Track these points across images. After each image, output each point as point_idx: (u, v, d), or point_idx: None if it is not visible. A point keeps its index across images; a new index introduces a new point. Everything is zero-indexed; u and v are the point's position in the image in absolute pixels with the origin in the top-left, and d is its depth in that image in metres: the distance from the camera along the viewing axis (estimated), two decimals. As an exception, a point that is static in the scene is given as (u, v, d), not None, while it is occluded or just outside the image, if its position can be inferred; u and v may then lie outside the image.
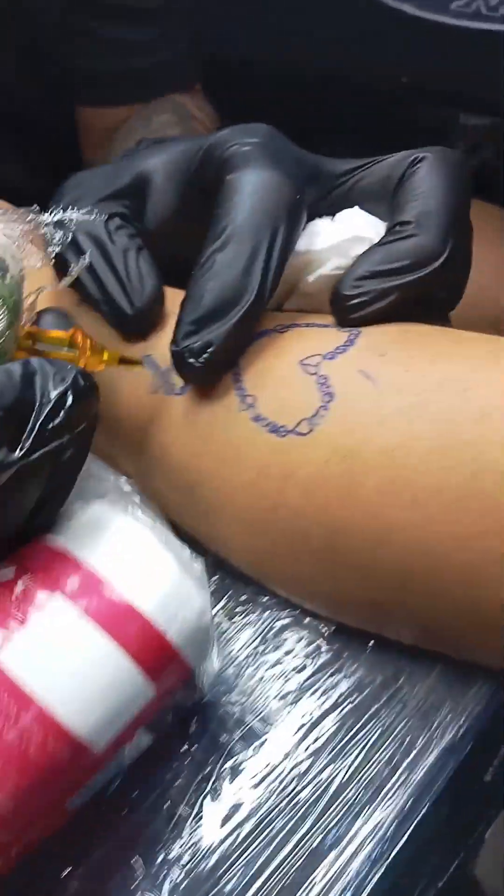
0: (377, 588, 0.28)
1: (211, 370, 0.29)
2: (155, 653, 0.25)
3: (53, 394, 0.23)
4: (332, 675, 0.31)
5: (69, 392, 0.23)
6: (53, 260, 0.28)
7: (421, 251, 0.29)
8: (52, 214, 0.28)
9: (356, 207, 0.32)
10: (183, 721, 0.30)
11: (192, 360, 0.29)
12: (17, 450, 0.22)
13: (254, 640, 0.32)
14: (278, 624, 0.33)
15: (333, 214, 0.33)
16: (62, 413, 0.23)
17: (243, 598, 0.33)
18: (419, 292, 0.30)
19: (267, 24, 0.75)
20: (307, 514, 0.28)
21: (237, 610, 0.33)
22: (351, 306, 0.30)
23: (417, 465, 0.25)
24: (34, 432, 0.22)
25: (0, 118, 0.55)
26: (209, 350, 0.29)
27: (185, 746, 0.30)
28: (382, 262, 0.30)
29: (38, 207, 0.28)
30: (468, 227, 0.31)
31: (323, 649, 0.32)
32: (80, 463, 0.26)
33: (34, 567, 0.26)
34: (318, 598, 0.31)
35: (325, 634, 0.32)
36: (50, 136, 0.56)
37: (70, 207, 0.31)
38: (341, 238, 0.32)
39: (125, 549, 0.26)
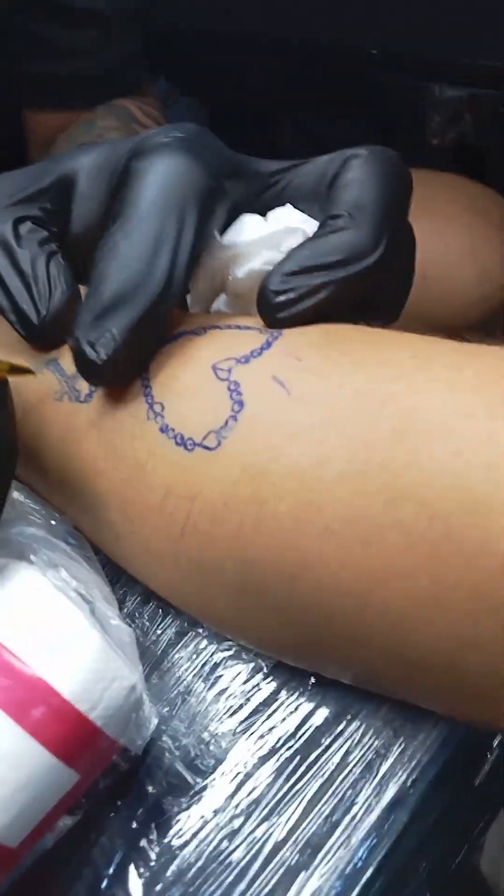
0: (298, 627, 0.24)
1: (113, 368, 0.26)
2: (77, 738, 0.22)
3: None
4: (269, 716, 0.28)
5: None
6: None
7: (352, 246, 0.27)
8: None
9: (288, 205, 0.30)
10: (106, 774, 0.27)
11: (93, 357, 0.25)
12: None
13: (188, 676, 0.29)
14: (216, 657, 0.29)
15: (265, 214, 0.30)
16: None
17: (178, 626, 0.30)
18: (351, 292, 0.27)
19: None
20: (217, 543, 0.24)
21: (170, 641, 0.29)
22: (277, 304, 0.27)
23: (330, 489, 0.22)
24: None
25: None
26: (111, 343, 0.25)
27: (109, 800, 0.27)
28: (312, 257, 0.27)
29: None
30: (407, 227, 0.29)
31: (262, 686, 0.28)
32: None
33: None
34: (240, 634, 0.27)
35: (265, 668, 0.28)
36: None
37: None
38: (272, 230, 0.29)
39: (40, 618, 0.23)
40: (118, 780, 0.27)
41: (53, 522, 0.28)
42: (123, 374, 0.27)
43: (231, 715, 0.28)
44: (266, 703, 0.28)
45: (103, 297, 0.26)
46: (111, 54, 0.55)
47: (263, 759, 0.27)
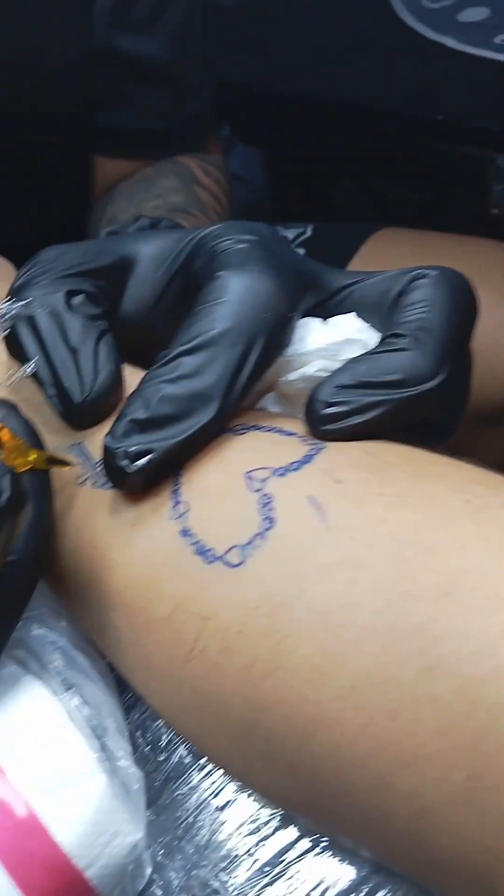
0: (310, 789, 0.22)
1: (140, 481, 0.25)
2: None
3: None
4: (282, 875, 0.25)
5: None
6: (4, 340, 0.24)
7: (413, 368, 0.25)
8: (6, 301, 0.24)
9: (352, 313, 0.28)
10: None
11: (123, 463, 0.24)
12: None
13: (190, 814, 0.26)
14: (226, 792, 0.26)
15: (326, 318, 0.29)
16: None
17: (181, 756, 0.27)
18: (405, 414, 0.25)
19: (298, 53, 0.71)
20: (226, 675, 0.22)
21: (172, 774, 0.27)
22: (326, 415, 0.25)
23: (358, 640, 0.20)
24: None
25: (10, 164, 0.54)
26: (147, 459, 0.24)
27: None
28: (369, 372, 0.25)
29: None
30: (468, 354, 0.28)
31: (272, 834, 0.25)
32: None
33: None
34: (244, 780, 0.25)
35: (279, 812, 0.26)
36: (60, 182, 0.55)
37: (33, 280, 0.29)
38: (331, 340, 0.28)
39: (45, 748, 0.21)
40: None
41: (72, 628, 0.26)
42: (150, 483, 0.25)
43: (235, 867, 0.25)
44: (278, 855, 0.25)
45: (152, 408, 0.25)
46: (181, 113, 0.56)
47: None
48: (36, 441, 0.26)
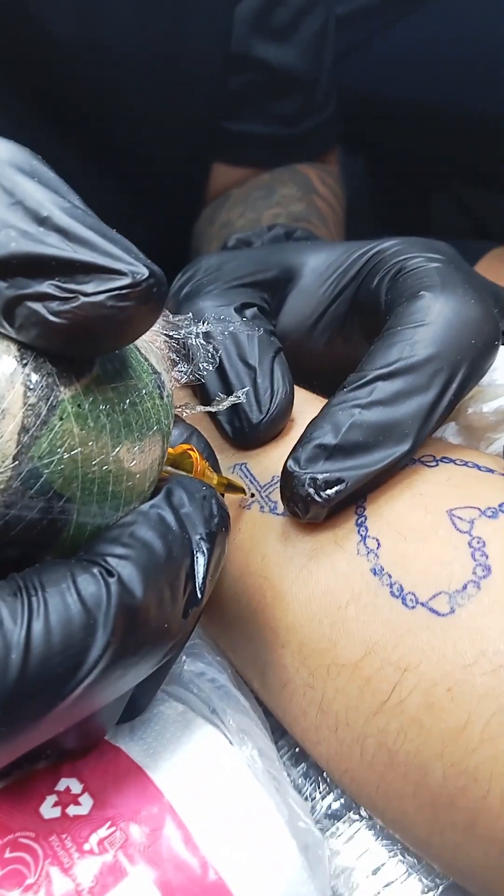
0: None
1: (325, 511, 0.23)
2: None
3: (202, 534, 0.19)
4: None
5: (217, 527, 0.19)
6: (203, 376, 0.23)
7: None
8: (203, 323, 0.23)
9: None
10: None
11: (310, 491, 0.22)
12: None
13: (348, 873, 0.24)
14: (378, 858, 0.24)
15: None
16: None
17: (336, 795, 0.25)
18: None
19: (408, 60, 0.70)
20: (428, 735, 0.20)
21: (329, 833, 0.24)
22: None
23: None
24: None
25: (129, 165, 0.52)
26: (336, 489, 0.22)
27: None
28: None
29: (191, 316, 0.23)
30: None
31: None
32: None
33: (120, 813, 0.19)
34: (425, 848, 0.22)
35: (440, 888, 0.24)
36: (176, 187, 0.53)
37: (201, 290, 0.28)
38: None
39: (232, 819, 0.19)
40: None
41: (226, 664, 0.24)
42: (334, 511, 0.23)
43: None
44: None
45: (343, 436, 0.23)
46: (309, 122, 0.55)
47: None
48: (216, 465, 0.24)
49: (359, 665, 0.21)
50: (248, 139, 0.54)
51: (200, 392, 0.28)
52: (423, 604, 0.21)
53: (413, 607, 0.21)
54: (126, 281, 0.16)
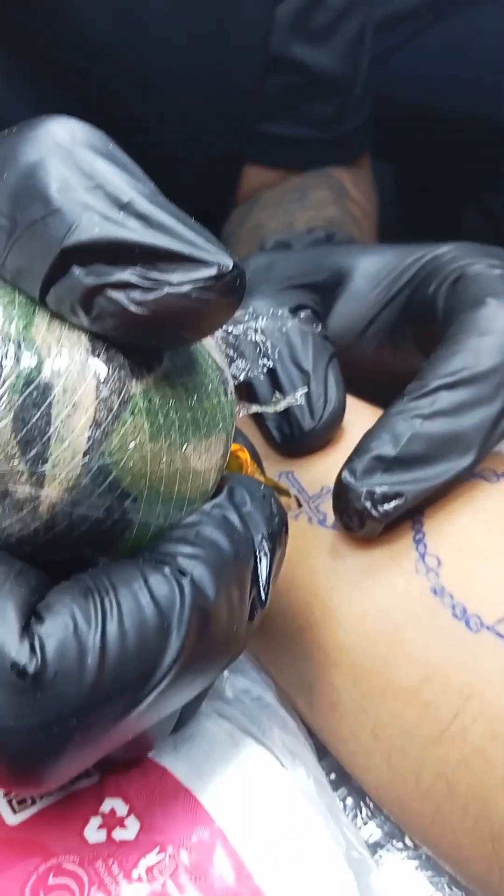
0: None
1: (381, 526, 0.22)
2: None
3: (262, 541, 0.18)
4: None
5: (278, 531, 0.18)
6: (258, 376, 0.23)
7: None
8: (261, 318, 0.22)
9: None
10: None
11: (366, 505, 0.21)
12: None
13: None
14: (427, 893, 0.23)
15: None
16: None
17: (380, 822, 0.24)
18: None
19: (440, 68, 0.69)
20: (493, 767, 0.19)
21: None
22: None
23: None
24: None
25: (161, 165, 0.51)
26: (394, 504, 0.21)
27: None
28: None
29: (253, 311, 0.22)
30: None
31: None
32: None
33: (169, 838, 0.18)
34: (481, 883, 0.21)
35: None
36: (207, 188, 0.53)
37: (252, 289, 0.27)
38: None
39: (291, 853, 0.18)
40: None
41: (271, 681, 0.23)
42: (389, 526, 0.22)
43: None
44: None
45: (403, 448, 0.22)
46: (343, 126, 0.54)
47: None
48: (262, 466, 0.23)
49: (417, 690, 0.20)
50: (283, 141, 0.53)
51: (248, 393, 0.27)
52: (489, 627, 0.20)
53: (477, 631, 0.20)
54: (212, 272, 0.15)
